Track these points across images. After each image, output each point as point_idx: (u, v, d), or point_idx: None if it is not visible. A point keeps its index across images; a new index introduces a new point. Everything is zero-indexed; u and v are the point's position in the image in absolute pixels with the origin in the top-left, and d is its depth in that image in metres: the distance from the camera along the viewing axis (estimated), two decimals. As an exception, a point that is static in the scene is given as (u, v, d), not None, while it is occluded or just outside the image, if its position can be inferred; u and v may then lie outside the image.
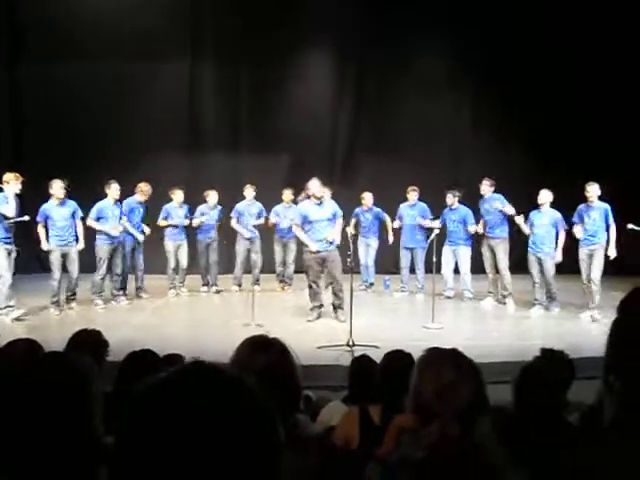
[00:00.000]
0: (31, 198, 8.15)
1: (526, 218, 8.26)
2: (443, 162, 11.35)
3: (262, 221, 9.68)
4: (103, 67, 10.54)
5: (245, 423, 0.74)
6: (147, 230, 8.97)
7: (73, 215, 7.91)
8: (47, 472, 1.15)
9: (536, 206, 8.24)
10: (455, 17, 11.23)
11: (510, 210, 8.37)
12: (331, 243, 7.37)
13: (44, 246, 7.75)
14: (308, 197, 7.50)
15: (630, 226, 7.88)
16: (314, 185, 7.38)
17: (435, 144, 11.46)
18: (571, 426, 2.49)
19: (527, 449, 1.79)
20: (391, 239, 9.68)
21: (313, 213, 7.40)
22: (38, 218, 7.72)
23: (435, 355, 1.62)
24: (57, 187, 7.70)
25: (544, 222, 8.10)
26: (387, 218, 9.70)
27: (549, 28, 10.81)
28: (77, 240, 7.98)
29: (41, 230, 7.74)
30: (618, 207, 8.01)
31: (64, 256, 7.80)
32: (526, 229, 8.16)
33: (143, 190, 8.78)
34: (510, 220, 8.58)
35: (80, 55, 10.45)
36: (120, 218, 8.44)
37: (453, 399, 1.46)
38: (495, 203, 8.56)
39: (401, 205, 9.59)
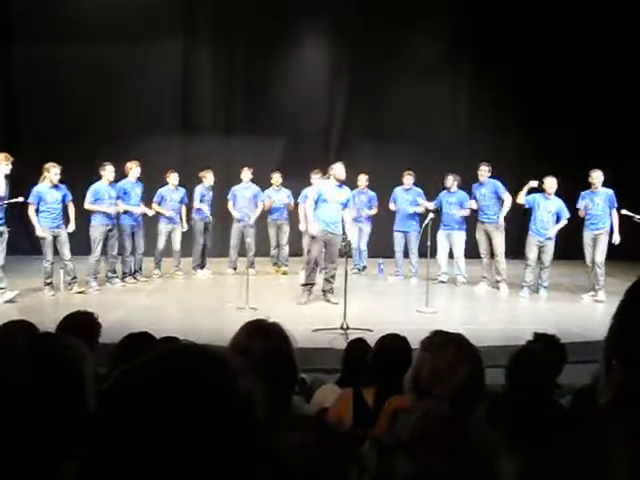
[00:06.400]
0: (26, 180, 8.09)
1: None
2: (439, 146, 11.30)
3: (259, 210, 9.65)
4: (96, 48, 10.41)
5: (223, 403, 0.75)
6: (147, 210, 8.95)
7: (63, 199, 7.92)
8: (40, 449, 1.16)
9: (539, 191, 8.31)
10: (452, 0, 11.16)
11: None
12: (336, 228, 7.49)
13: (39, 232, 7.71)
14: (328, 177, 7.73)
15: (624, 212, 7.99)
16: (338, 167, 7.61)
17: (431, 127, 11.43)
18: (563, 408, 2.52)
19: (519, 431, 1.80)
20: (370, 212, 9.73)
21: (329, 193, 7.52)
22: (31, 200, 7.67)
23: (438, 338, 1.63)
24: (54, 172, 7.71)
25: (551, 208, 8.17)
26: (374, 209, 9.79)
27: (548, 7, 10.71)
28: (68, 222, 7.99)
29: (34, 214, 7.69)
30: (619, 193, 8.08)
31: (55, 238, 7.80)
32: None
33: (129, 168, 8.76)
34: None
35: (73, 37, 10.33)
36: (117, 198, 8.44)
37: (447, 381, 1.47)
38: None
39: (396, 189, 9.58)
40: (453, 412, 1.03)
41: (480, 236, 8.83)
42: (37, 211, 7.72)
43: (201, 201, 9.41)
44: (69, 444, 1.16)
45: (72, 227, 8.00)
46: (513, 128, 11.21)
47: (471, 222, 9.05)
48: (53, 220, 7.77)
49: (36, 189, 7.72)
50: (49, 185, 7.76)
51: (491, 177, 8.77)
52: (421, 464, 0.91)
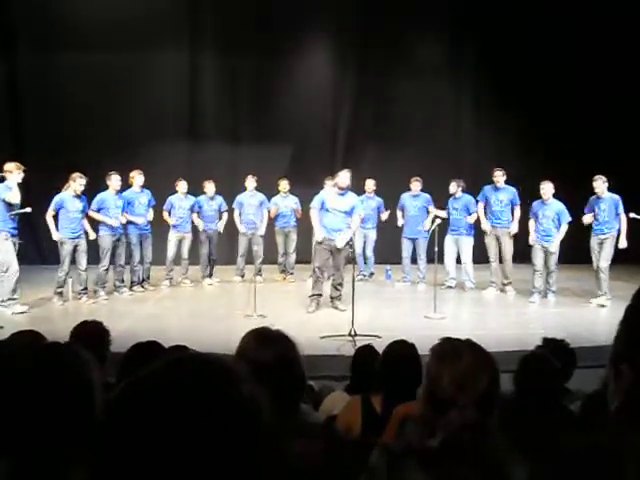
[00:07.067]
0: (32, 188, 8.16)
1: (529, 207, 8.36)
2: (445, 149, 11.28)
3: (266, 219, 9.61)
4: (99, 56, 10.44)
5: (228, 412, 0.76)
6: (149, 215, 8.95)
7: (84, 209, 8.01)
8: (49, 459, 1.16)
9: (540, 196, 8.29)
10: (454, 2, 11.17)
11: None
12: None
13: (55, 236, 7.78)
14: (334, 185, 7.69)
15: (632, 215, 7.96)
16: (342, 175, 7.53)
17: (437, 131, 11.41)
18: (572, 414, 2.50)
19: (528, 437, 1.79)
20: (384, 217, 9.70)
21: (331, 201, 7.49)
22: (52, 207, 7.77)
23: (452, 344, 1.62)
24: (79, 183, 7.83)
25: (549, 214, 8.14)
26: (383, 217, 9.74)
27: (549, 8, 10.68)
28: (87, 232, 8.08)
29: (52, 220, 7.78)
30: (624, 196, 8.04)
31: (74, 248, 7.86)
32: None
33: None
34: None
35: (78, 45, 10.38)
36: (123, 209, 8.49)
37: (472, 388, 1.46)
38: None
39: (403, 195, 9.54)
40: (478, 420, 1.02)
41: (490, 241, 8.81)
42: (55, 219, 7.81)
43: (198, 212, 9.48)
44: (77, 451, 1.17)
45: (93, 234, 8.12)
46: (516, 130, 11.16)
47: (478, 227, 9.02)
48: (73, 230, 7.85)
49: (59, 197, 7.84)
50: (72, 194, 7.85)
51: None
52: (437, 473, 0.91)
